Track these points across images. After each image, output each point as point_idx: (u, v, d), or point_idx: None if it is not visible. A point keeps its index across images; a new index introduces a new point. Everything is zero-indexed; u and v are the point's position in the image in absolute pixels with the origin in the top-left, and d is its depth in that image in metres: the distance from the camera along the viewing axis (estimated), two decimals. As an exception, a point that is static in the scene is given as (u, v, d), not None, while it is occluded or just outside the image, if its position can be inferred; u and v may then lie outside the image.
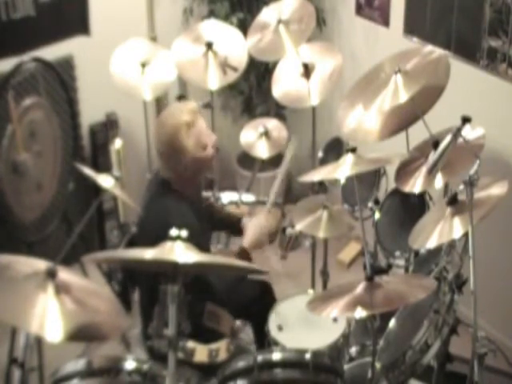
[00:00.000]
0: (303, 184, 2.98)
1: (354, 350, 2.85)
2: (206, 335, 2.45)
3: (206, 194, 3.44)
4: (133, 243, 3.01)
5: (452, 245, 2.72)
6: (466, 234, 2.37)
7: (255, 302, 3.04)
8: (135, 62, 3.51)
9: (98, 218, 4.17)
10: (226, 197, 3.55)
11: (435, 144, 2.46)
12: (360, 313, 2.06)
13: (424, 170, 2.57)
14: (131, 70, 3.50)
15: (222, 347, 2.66)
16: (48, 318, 1.71)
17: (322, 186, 3.34)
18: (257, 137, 3.52)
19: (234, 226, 3.14)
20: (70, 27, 3.82)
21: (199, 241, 2.49)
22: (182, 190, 2.79)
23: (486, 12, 3.19)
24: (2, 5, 3.50)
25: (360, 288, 2.16)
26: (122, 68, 3.51)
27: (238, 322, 2.77)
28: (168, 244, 1.93)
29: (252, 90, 4.34)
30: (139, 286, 3.00)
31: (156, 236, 2.01)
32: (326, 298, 2.24)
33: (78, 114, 3.96)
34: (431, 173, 2.47)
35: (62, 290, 1.79)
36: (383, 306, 2.11)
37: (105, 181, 2.49)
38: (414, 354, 2.42)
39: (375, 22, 3.83)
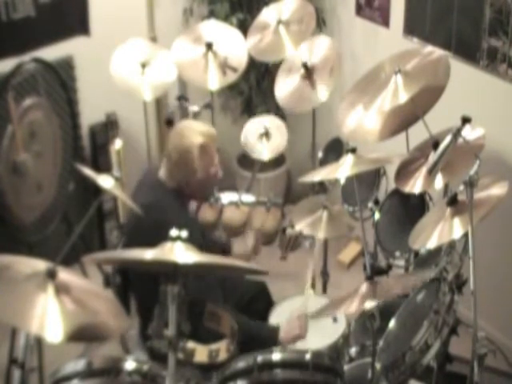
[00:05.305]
0: (303, 184, 2.98)
1: (353, 350, 2.84)
2: (206, 335, 2.45)
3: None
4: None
5: (452, 245, 2.72)
6: (465, 235, 2.37)
7: (252, 302, 3.04)
8: (135, 62, 3.51)
9: (97, 218, 4.17)
10: (226, 197, 3.54)
11: (435, 144, 2.46)
12: (369, 304, 2.08)
13: (424, 170, 2.57)
14: (131, 70, 3.50)
15: (222, 347, 2.65)
16: (48, 319, 1.70)
17: (322, 186, 3.34)
18: (257, 137, 3.52)
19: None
20: (70, 27, 3.82)
21: (198, 237, 2.50)
22: (178, 191, 2.79)
23: (486, 12, 3.19)
24: (2, 5, 3.50)
25: (362, 288, 2.18)
26: (122, 68, 3.51)
27: (238, 322, 2.77)
28: (168, 244, 1.93)
29: (252, 90, 4.34)
30: (139, 286, 2.99)
31: (153, 235, 2.01)
32: (330, 305, 2.25)
33: (77, 114, 3.95)
34: (431, 173, 2.47)
35: (61, 290, 1.79)
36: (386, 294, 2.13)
37: (105, 181, 2.48)
38: (414, 354, 2.42)
39: (375, 22, 3.83)
